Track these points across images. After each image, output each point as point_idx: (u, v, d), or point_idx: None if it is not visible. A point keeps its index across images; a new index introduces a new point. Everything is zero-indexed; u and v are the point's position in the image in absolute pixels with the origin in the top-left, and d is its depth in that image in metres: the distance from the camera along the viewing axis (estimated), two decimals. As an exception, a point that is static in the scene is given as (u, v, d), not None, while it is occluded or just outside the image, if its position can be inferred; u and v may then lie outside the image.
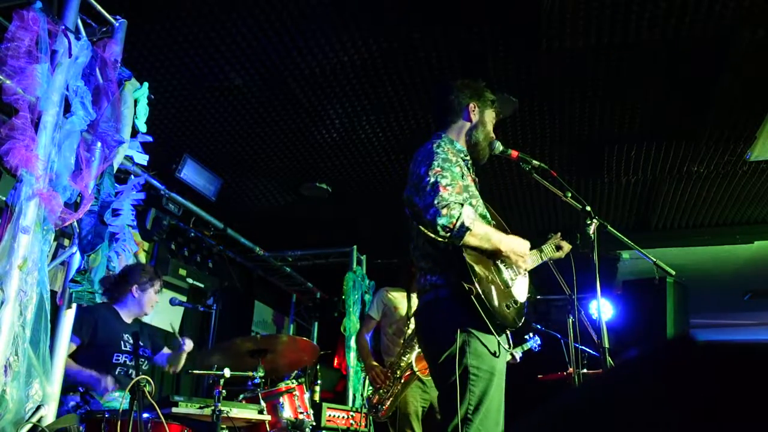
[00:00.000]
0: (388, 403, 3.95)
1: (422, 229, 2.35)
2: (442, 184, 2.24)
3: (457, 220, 2.18)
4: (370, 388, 5.03)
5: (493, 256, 2.36)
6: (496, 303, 2.27)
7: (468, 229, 2.21)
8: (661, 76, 4.12)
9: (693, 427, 0.53)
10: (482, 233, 2.28)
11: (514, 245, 2.39)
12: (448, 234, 2.20)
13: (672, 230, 6.56)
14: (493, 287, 2.30)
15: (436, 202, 2.19)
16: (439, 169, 2.29)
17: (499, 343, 2.30)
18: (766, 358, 0.56)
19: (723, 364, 0.56)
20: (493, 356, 2.27)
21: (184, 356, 3.71)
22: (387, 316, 4.32)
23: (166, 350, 3.90)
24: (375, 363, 4.20)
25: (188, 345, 3.67)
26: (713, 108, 4.40)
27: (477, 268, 2.26)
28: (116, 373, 3.45)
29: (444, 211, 2.18)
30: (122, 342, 3.51)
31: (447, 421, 2.24)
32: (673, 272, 2.87)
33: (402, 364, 3.97)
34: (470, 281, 2.23)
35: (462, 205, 2.21)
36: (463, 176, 2.39)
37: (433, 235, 2.31)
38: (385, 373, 4.02)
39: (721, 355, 0.58)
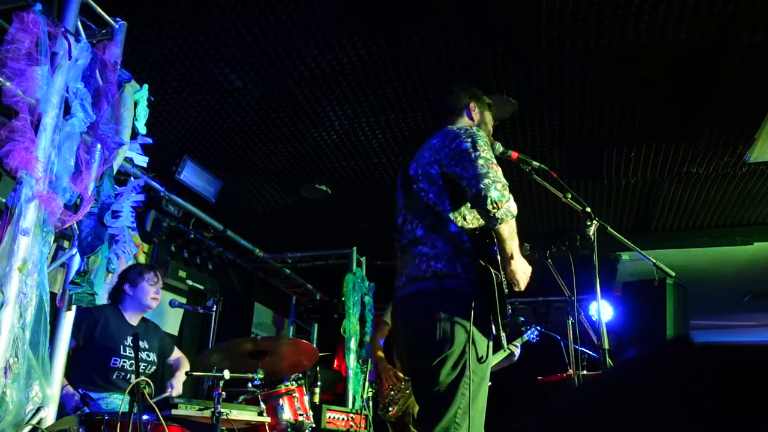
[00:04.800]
0: (400, 403, 4.03)
1: (444, 206, 2.28)
2: (493, 161, 2.21)
3: (507, 201, 2.14)
4: (371, 389, 5.04)
5: (502, 259, 2.29)
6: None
7: (512, 215, 2.17)
8: (661, 77, 4.12)
9: (691, 427, 0.53)
10: (514, 228, 2.24)
11: (525, 264, 2.32)
12: (494, 210, 2.12)
13: (672, 231, 6.57)
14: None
15: (491, 175, 2.15)
16: (486, 147, 2.25)
17: (488, 347, 2.24)
18: (763, 359, 0.56)
19: (721, 366, 0.56)
20: (484, 361, 2.22)
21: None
22: None
23: (177, 353, 3.92)
24: (389, 365, 4.29)
25: (176, 391, 3.66)
26: (713, 109, 4.41)
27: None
28: (114, 377, 3.43)
29: (499, 186, 2.13)
30: (122, 346, 3.49)
31: (433, 421, 2.15)
32: (673, 273, 2.87)
33: None
34: (497, 268, 2.19)
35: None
36: None
37: (463, 213, 2.27)
38: (397, 375, 4.10)
39: (719, 357, 0.58)
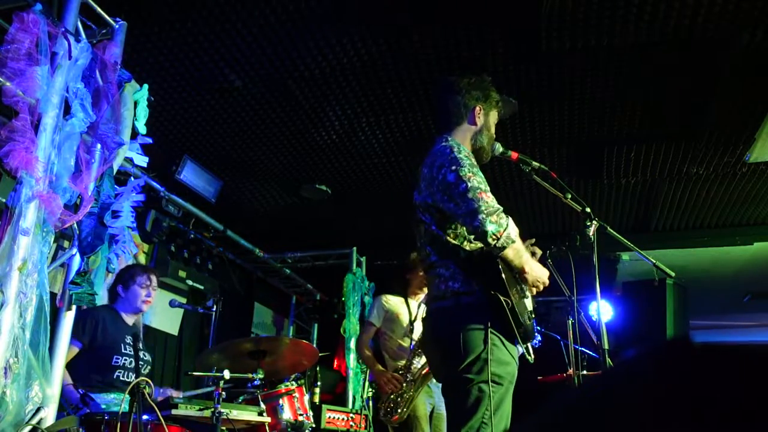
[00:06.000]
0: (402, 407, 3.93)
1: (446, 236, 2.36)
2: (481, 189, 2.23)
3: (504, 230, 2.19)
4: (371, 389, 5.03)
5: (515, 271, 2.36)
6: (521, 315, 2.28)
7: (513, 240, 2.22)
8: (661, 77, 4.12)
9: (691, 427, 0.53)
10: (520, 248, 2.29)
11: (538, 271, 2.38)
12: (494, 242, 2.18)
13: (672, 231, 6.57)
14: (517, 298, 2.31)
15: (483, 208, 2.18)
16: (471, 174, 2.27)
17: (514, 352, 2.31)
18: (763, 359, 0.56)
19: (721, 366, 0.56)
20: (510, 365, 2.29)
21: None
22: (389, 321, 4.33)
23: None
24: (383, 368, 4.18)
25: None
26: (713, 109, 4.41)
27: (507, 279, 2.27)
28: (115, 376, 3.44)
29: (494, 218, 2.18)
30: (122, 344, 3.50)
31: (461, 424, 2.22)
32: (673, 273, 2.87)
33: (413, 369, 3.97)
34: (506, 294, 2.23)
35: (506, 215, 2.23)
36: None
37: (474, 242, 2.33)
38: (397, 377, 4.01)
39: (719, 357, 0.58)
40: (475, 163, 2.38)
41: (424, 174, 2.45)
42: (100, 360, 3.41)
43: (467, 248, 2.36)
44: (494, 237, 2.17)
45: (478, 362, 2.23)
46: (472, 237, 2.34)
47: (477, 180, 2.26)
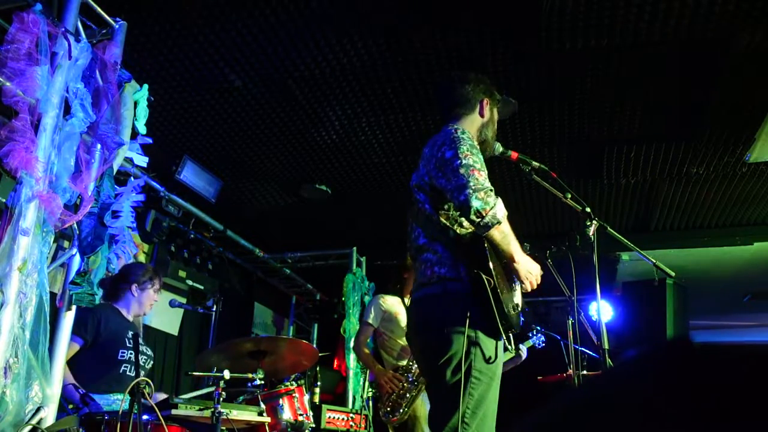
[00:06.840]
0: (403, 407, 3.89)
1: (438, 216, 2.32)
2: (475, 167, 2.20)
3: (491, 208, 2.13)
4: (371, 389, 5.03)
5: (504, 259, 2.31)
6: (505, 303, 2.23)
7: (499, 222, 2.16)
8: (661, 77, 4.12)
9: (691, 427, 0.53)
10: (507, 232, 2.23)
11: (530, 264, 2.32)
12: (478, 220, 2.13)
13: (671, 232, 6.57)
14: (502, 286, 2.26)
15: (471, 184, 2.14)
16: (468, 153, 2.24)
17: (496, 348, 2.26)
18: (763, 359, 0.56)
19: (721, 366, 0.56)
20: (493, 361, 2.23)
21: None
22: (387, 321, 4.31)
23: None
24: (384, 368, 4.15)
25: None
26: (713, 109, 4.41)
27: (492, 263, 2.22)
28: (121, 370, 3.44)
29: (480, 195, 2.13)
30: (126, 339, 3.51)
31: (442, 422, 2.17)
32: (673, 273, 2.86)
33: (414, 369, 3.94)
34: (489, 273, 2.18)
35: (496, 195, 2.19)
36: None
37: (465, 227, 2.29)
38: (398, 377, 3.98)
39: (720, 357, 0.58)
40: (476, 145, 2.36)
41: (424, 154, 2.44)
42: (106, 355, 3.40)
43: (458, 232, 2.32)
44: (478, 214, 2.12)
45: (457, 357, 2.18)
46: (458, 213, 2.28)
47: (473, 159, 2.23)
